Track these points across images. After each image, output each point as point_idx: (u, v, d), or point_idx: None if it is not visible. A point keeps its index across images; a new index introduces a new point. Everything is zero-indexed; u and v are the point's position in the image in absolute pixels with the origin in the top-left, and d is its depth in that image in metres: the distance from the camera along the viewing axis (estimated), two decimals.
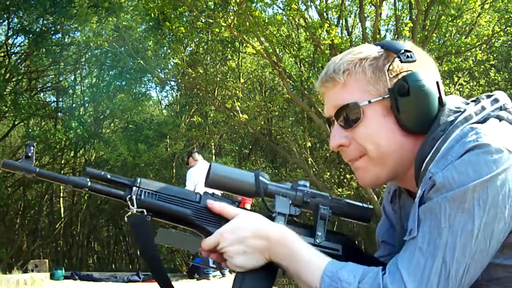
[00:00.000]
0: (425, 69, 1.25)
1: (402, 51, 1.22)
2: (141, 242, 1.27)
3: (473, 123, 1.15)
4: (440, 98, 1.22)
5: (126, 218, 1.26)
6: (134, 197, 1.25)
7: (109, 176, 1.28)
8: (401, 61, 1.22)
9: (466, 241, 1.03)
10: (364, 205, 1.42)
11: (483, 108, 1.18)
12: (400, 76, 1.23)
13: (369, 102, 1.23)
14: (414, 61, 1.22)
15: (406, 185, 1.33)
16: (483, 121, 1.15)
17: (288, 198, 1.32)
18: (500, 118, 1.18)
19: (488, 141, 1.05)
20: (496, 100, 1.21)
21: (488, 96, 1.23)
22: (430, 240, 1.05)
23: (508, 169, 1.04)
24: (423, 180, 1.13)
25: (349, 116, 1.25)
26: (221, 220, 1.27)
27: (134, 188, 1.26)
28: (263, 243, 1.20)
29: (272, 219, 1.29)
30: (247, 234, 1.20)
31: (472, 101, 1.26)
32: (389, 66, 1.23)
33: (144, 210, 1.25)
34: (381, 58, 1.26)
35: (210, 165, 1.30)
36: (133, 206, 1.25)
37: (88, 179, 1.26)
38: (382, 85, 1.23)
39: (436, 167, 1.10)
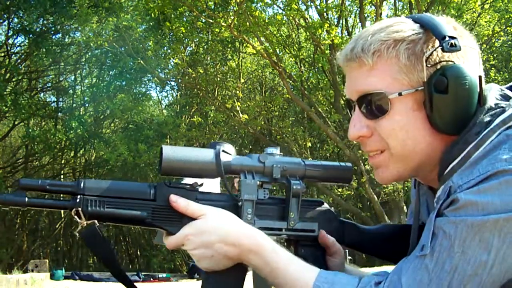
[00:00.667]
0: (469, 60, 1.08)
1: (446, 38, 1.03)
2: (99, 252, 1.16)
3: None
4: (479, 95, 1.05)
5: (77, 234, 1.11)
6: (80, 209, 1.10)
7: (47, 186, 1.11)
8: (444, 51, 1.04)
9: (478, 271, 0.94)
10: (342, 164, 1.28)
11: None
12: (438, 66, 1.05)
13: (400, 94, 1.06)
14: (459, 50, 1.04)
15: (428, 183, 1.21)
16: None
17: (255, 178, 1.18)
18: None
19: None
20: None
21: None
22: (438, 260, 0.97)
23: None
24: (443, 187, 1.03)
25: (374, 105, 1.09)
26: (182, 217, 1.13)
27: (79, 197, 1.10)
28: (233, 249, 1.09)
29: (239, 207, 1.17)
30: (214, 238, 1.08)
31: (510, 88, 1.11)
32: (429, 55, 1.05)
33: (95, 221, 1.12)
34: (419, 42, 1.06)
35: (161, 150, 1.14)
36: (81, 219, 1.10)
37: (25, 194, 1.10)
38: (416, 75, 1.06)
39: (459, 177, 0.99)
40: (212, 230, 1.09)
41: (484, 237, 0.93)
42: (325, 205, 1.28)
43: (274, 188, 1.28)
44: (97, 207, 1.11)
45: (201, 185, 1.19)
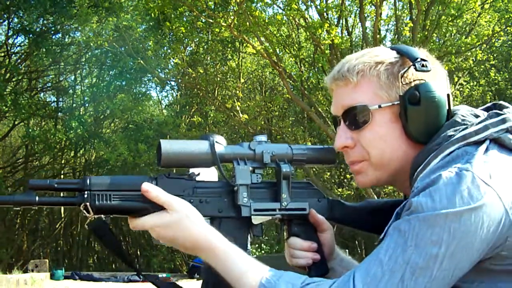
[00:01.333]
0: (438, 80, 1.24)
1: (418, 59, 1.20)
2: (107, 244, 1.24)
3: (471, 142, 1.12)
4: (448, 111, 1.21)
5: (86, 226, 1.21)
6: (88, 204, 1.17)
7: (56, 185, 1.19)
8: (416, 70, 1.20)
9: (429, 264, 1.01)
10: (325, 146, 1.40)
11: (486, 128, 1.13)
12: (413, 84, 1.21)
13: (379, 106, 1.21)
14: (429, 71, 1.21)
15: (406, 193, 1.30)
16: (483, 141, 1.12)
17: (247, 164, 1.28)
18: (500, 142, 1.12)
19: (473, 173, 1.03)
20: (503, 121, 1.14)
21: (498, 114, 1.17)
22: (392, 255, 1.03)
23: (484, 205, 1.01)
24: (411, 191, 1.12)
25: (357, 118, 1.23)
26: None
27: (86, 193, 1.18)
28: (189, 245, 1.20)
29: (235, 192, 1.26)
30: (176, 234, 1.19)
31: (486, 109, 1.23)
32: (404, 73, 1.21)
33: (102, 216, 1.20)
34: (396, 64, 1.24)
35: (159, 144, 1.23)
36: (89, 213, 1.18)
37: (35, 194, 1.17)
38: (394, 91, 1.22)
39: (419, 182, 1.09)
40: (175, 226, 1.19)
41: (435, 231, 1.01)
42: (313, 186, 1.38)
43: (269, 173, 1.35)
44: (103, 201, 1.19)
45: (198, 174, 1.28)
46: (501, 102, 1.24)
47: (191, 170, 1.29)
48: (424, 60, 1.21)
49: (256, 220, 1.28)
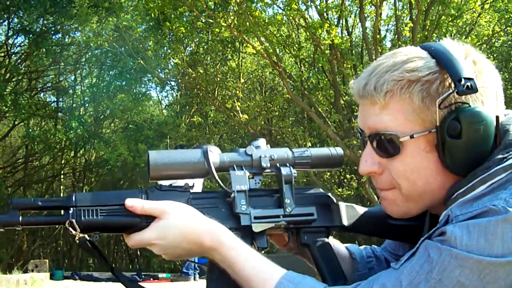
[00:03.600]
0: (486, 98, 1.04)
1: (462, 81, 0.99)
2: (100, 259, 1.20)
3: None
4: (496, 131, 1.01)
5: (77, 242, 1.15)
6: (74, 220, 1.11)
7: (40, 203, 1.13)
8: (459, 94, 1.00)
9: None
10: (332, 148, 1.28)
11: None
12: (453, 107, 1.01)
13: (411, 137, 1.03)
14: (475, 92, 1.00)
15: (437, 213, 1.17)
16: None
17: (244, 170, 1.19)
18: None
19: None
20: None
21: None
22: (413, 280, 0.95)
23: None
24: (444, 213, 1.01)
25: (385, 145, 1.07)
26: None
27: (72, 210, 1.12)
28: (195, 247, 1.10)
29: (232, 199, 1.17)
30: (178, 239, 1.09)
31: None
32: (442, 99, 1.01)
33: (86, 236, 1.14)
34: (434, 82, 1.02)
35: (147, 155, 1.15)
36: (75, 230, 1.12)
37: (18, 214, 1.11)
38: (430, 116, 1.03)
39: (459, 208, 0.98)
40: (175, 230, 1.10)
41: (464, 273, 0.92)
42: (320, 190, 1.28)
43: (271, 182, 1.29)
44: (90, 216, 1.12)
45: (193, 186, 1.20)
46: None
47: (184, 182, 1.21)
48: (470, 79, 0.99)
49: (257, 227, 1.17)
